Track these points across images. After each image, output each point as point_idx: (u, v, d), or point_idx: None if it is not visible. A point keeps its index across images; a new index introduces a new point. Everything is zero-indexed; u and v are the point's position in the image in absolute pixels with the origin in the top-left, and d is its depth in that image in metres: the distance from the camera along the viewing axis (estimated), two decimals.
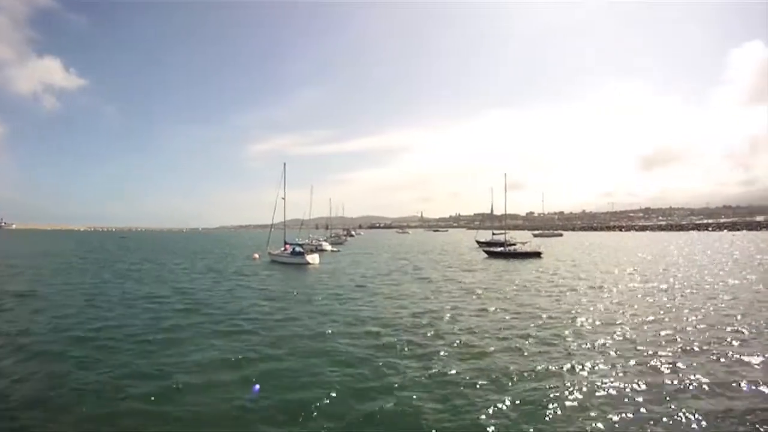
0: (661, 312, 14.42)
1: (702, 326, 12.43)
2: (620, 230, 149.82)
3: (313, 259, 34.90)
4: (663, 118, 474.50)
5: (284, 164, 39.78)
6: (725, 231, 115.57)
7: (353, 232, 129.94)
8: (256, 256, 41.03)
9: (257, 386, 8.34)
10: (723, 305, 15.58)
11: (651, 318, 13.55)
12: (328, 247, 54.80)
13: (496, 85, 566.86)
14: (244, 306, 16.12)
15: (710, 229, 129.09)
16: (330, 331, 12.07)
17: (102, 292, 19.40)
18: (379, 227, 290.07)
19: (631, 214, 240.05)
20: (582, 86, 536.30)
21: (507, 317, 14.02)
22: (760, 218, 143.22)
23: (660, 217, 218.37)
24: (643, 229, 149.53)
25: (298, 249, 36.95)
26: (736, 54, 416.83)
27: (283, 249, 37.86)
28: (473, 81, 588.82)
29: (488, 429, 6.46)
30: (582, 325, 12.75)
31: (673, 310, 14.77)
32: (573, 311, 14.84)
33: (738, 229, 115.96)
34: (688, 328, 12.21)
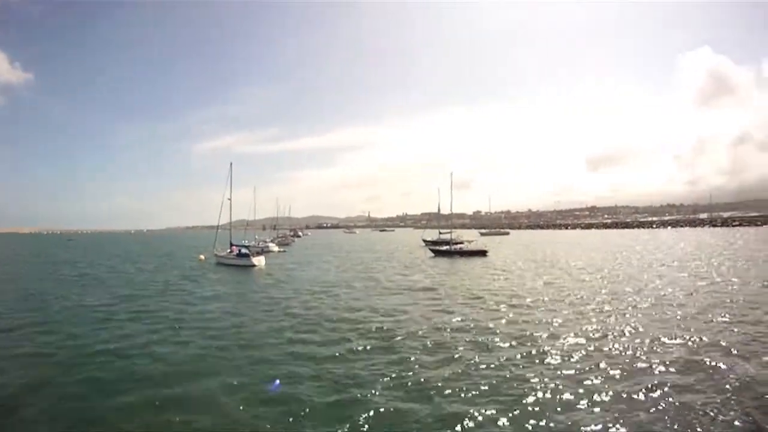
0: (606, 301, 16.40)
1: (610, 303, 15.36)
2: (566, 228, 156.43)
3: (259, 261, 35.24)
4: (613, 119, 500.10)
5: (231, 164, 40.31)
6: (669, 228, 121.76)
7: (300, 233, 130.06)
8: (202, 257, 41.14)
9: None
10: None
11: (593, 308, 15.15)
12: (274, 248, 55.42)
13: (445, 84, 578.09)
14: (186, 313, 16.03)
15: (654, 226, 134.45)
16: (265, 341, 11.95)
17: (43, 301, 18.82)
18: (326, 227, 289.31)
19: (578, 213, 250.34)
20: (532, 87, 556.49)
21: (435, 313, 15.03)
22: (702, 216, 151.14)
23: (606, 216, 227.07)
24: (589, 227, 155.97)
25: (244, 251, 36.99)
26: (687, 58, 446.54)
27: (229, 251, 38.06)
28: (423, 80, 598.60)
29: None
30: (516, 319, 13.83)
31: (615, 300, 16.57)
32: (505, 303, 16.38)
33: (681, 227, 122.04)
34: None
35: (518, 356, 9.78)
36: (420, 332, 12.16)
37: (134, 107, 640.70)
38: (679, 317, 13.16)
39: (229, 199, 39.84)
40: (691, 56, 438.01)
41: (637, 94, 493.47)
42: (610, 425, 6.47)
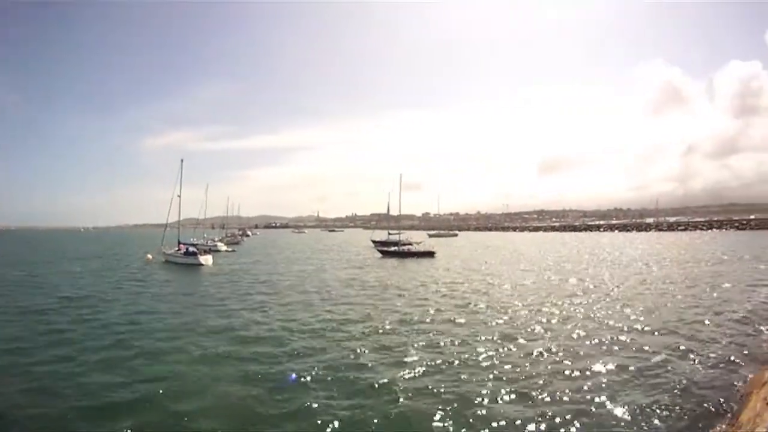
0: (543, 297, 18.74)
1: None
2: (514, 230, 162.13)
3: (206, 260, 35.78)
4: (566, 125, 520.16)
5: (181, 160, 40.59)
6: (616, 231, 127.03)
7: (249, 232, 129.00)
8: (150, 256, 40.99)
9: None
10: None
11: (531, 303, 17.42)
12: (223, 247, 55.86)
13: (400, 86, 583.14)
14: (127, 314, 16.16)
15: (602, 229, 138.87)
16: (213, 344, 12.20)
17: None
18: (275, 227, 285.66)
19: (526, 215, 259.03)
20: (486, 92, 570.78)
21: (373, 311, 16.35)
22: (649, 220, 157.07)
23: (554, 219, 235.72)
24: (537, 229, 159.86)
25: (191, 249, 37.58)
26: (641, 69, 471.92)
27: (177, 249, 38.48)
28: (376, 82, 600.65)
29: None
30: (460, 315, 15.32)
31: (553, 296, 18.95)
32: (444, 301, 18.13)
33: (628, 230, 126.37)
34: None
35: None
36: (360, 331, 12.97)
37: (82, 100, 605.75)
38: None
39: (179, 197, 39.86)
40: (646, 67, 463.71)
41: (590, 101, 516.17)
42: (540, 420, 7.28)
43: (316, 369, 9.48)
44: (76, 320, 14.74)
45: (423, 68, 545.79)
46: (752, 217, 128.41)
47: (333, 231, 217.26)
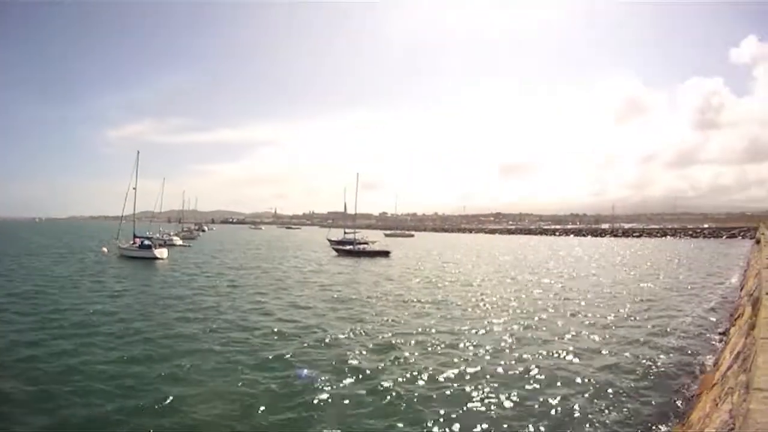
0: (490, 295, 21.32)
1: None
2: (470, 233, 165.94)
3: (161, 253, 36.24)
4: (528, 129, 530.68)
5: (138, 152, 40.92)
6: (571, 236, 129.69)
7: (205, 227, 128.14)
8: (105, 249, 41.28)
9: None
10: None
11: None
12: (178, 241, 56.55)
13: (360, 85, 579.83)
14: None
15: (557, 234, 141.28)
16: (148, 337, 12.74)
17: None
18: (232, 222, 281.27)
19: (483, 218, 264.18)
20: (448, 92, 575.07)
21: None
22: (604, 226, 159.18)
23: (510, 222, 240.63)
24: (493, 232, 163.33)
25: (146, 243, 37.61)
26: (605, 78, 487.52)
27: (132, 242, 38.45)
28: (339, 80, 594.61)
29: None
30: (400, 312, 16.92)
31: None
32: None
33: (584, 235, 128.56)
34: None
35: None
36: (307, 329, 13.97)
37: (41, 90, 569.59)
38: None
39: (134, 189, 40.24)
40: (610, 76, 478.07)
41: (554, 106, 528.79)
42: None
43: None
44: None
45: (385, 68, 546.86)
46: (705, 226, 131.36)
47: (290, 228, 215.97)
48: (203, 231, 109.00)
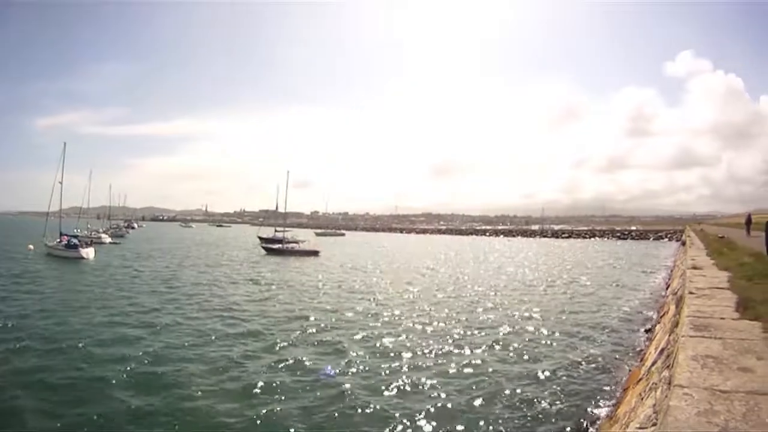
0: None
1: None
2: (401, 232, 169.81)
3: (88, 253, 35.24)
4: (461, 130, 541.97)
5: (64, 144, 40.56)
6: (501, 236, 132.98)
7: (135, 224, 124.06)
8: (31, 247, 39.70)
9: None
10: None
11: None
12: (107, 239, 55.63)
13: (295, 83, 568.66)
14: None
15: (488, 234, 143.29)
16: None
17: None
18: (162, 219, 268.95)
19: (413, 218, 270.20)
20: (383, 93, 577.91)
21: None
22: (534, 227, 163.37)
23: (441, 222, 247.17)
24: (423, 232, 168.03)
25: (73, 241, 36.71)
26: (542, 83, 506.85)
27: (58, 240, 37.45)
28: (274, 76, 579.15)
29: None
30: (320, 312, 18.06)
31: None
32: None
33: (514, 236, 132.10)
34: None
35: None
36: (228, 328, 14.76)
37: None
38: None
39: (60, 183, 39.04)
40: (546, 81, 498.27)
41: (490, 109, 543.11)
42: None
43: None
44: None
45: (319, 64, 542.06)
46: (633, 228, 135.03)
47: (221, 226, 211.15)
48: (132, 228, 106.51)
